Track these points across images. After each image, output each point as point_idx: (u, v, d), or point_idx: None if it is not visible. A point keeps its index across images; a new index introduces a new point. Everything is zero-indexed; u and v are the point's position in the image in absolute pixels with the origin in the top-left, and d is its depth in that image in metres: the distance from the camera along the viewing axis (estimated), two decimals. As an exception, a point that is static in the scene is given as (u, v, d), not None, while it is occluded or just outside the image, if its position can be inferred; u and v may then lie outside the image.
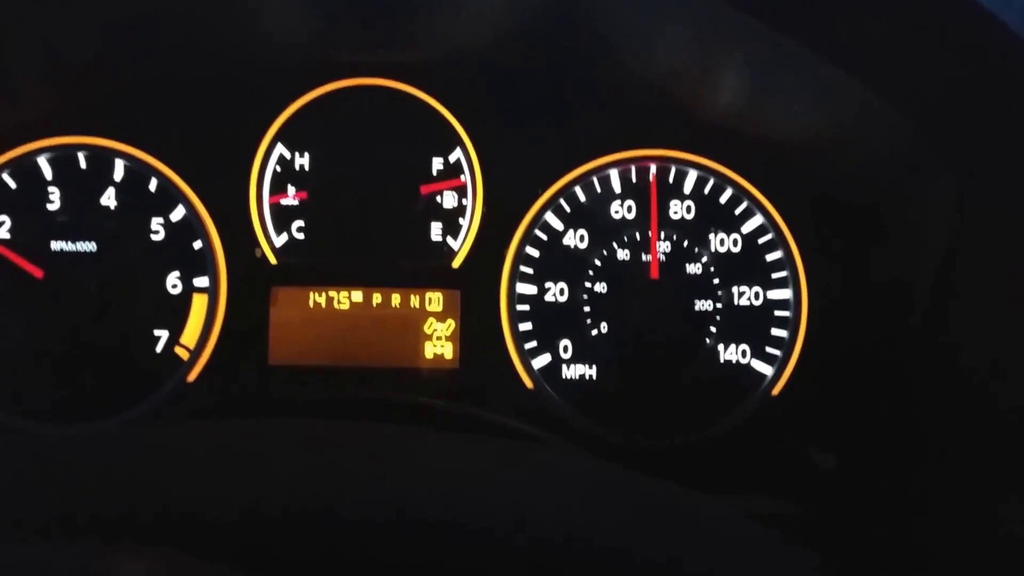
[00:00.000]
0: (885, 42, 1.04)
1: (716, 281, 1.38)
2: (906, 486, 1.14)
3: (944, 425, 1.09)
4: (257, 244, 1.39)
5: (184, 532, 0.57)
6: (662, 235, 1.39)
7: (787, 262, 1.38)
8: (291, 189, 1.41)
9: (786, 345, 1.37)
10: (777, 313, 1.38)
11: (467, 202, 1.41)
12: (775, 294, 1.38)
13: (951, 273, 1.11)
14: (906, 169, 1.20)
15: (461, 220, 1.41)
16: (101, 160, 1.38)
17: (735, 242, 1.39)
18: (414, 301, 1.38)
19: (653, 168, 1.40)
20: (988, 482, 0.98)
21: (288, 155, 1.41)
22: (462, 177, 1.41)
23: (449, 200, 1.41)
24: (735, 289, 1.38)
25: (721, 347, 1.37)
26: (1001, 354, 0.99)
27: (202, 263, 1.38)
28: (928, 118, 1.10)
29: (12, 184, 1.37)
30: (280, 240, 1.40)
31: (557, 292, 1.38)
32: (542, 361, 1.38)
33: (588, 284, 1.38)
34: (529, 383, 1.37)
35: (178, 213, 1.38)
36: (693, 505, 0.64)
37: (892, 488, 1.16)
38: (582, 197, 1.40)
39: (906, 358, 1.20)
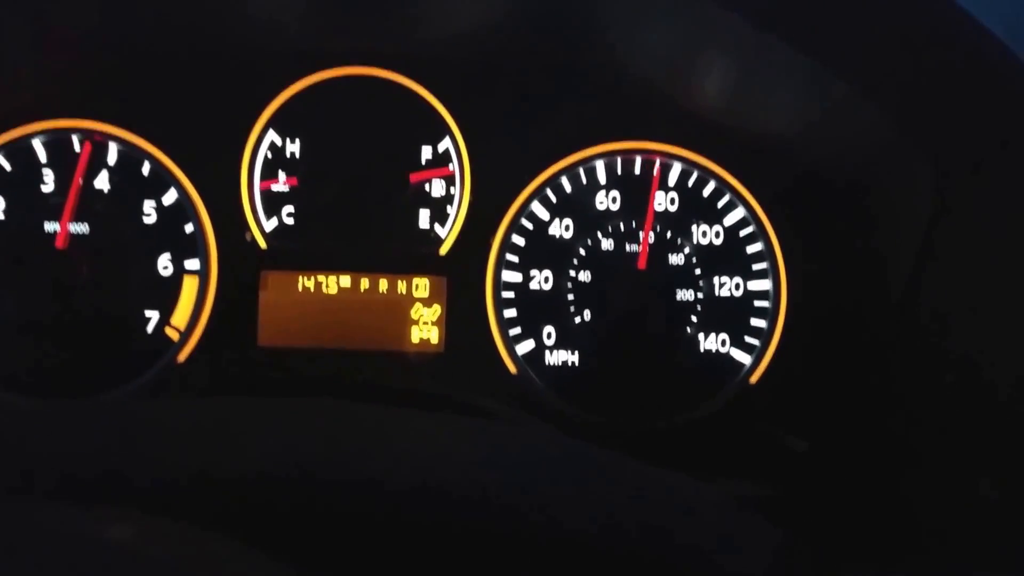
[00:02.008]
0: (864, 39, 1.07)
1: (698, 272, 1.41)
2: (882, 470, 1.17)
3: (921, 411, 1.12)
4: (248, 228, 1.42)
5: (169, 500, 0.59)
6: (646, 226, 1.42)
7: (767, 254, 1.41)
8: (282, 175, 1.43)
9: (765, 335, 1.40)
10: (757, 303, 1.41)
11: (455, 190, 1.43)
12: (755, 285, 1.41)
13: (929, 265, 1.14)
14: (886, 162, 1.23)
15: (449, 208, 1.43)
16: (95, 144, 1.40)
17: (717, 234, 1.42)
18: (401, 287, 1.41)
19: (639, 160, 1.43)
20: (964, 464, 1.01)
21: (279, 141, 1.43)
22: (450, 166, 1.43)
23: (437, 188, 1.44)
24: (716, 280, 1.41)
25: (701, 336, 1.40)
26: (978, 341, 1.02)
27: (193, 246, 1.40)
28: (907, 111, 1.12)
29: (7, 166, 1.39)
30: (270, 225, 1.43)
31: (542, 280, 1.41)
32: (526, 347, 1.40)
33: (572, 273, 1.41)
34: (513, 368, 1.40)
35: (170, 197, 1.40)
36: (666, 482, 0.67)
37: (868, 472, 1.19)
38: (568, 187, 1.43)
39: (884, 347, 1.23)
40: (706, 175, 1.42)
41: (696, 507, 0.66)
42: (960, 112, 1.05)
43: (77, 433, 0.63)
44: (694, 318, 1.40)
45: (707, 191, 1.43)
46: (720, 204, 1.42)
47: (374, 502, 0.60)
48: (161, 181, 1.40)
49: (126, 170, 1.40)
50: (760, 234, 1.41)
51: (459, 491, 0.61)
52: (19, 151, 1.39)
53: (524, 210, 1.42)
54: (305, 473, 0.61)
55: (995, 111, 1.00)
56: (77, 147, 1.40)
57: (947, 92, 1.04)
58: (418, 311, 1.40)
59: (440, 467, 0.63)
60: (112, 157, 1.40)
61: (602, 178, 1.43)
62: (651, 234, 1.41)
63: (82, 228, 1.38)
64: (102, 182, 1.40)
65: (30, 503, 0.56)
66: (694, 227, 1.42)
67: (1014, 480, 0.94)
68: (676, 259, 1.41)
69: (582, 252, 1.41)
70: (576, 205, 1.42)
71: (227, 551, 0.54)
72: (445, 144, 1.43)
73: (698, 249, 1.41)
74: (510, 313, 1.41)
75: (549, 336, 1.40)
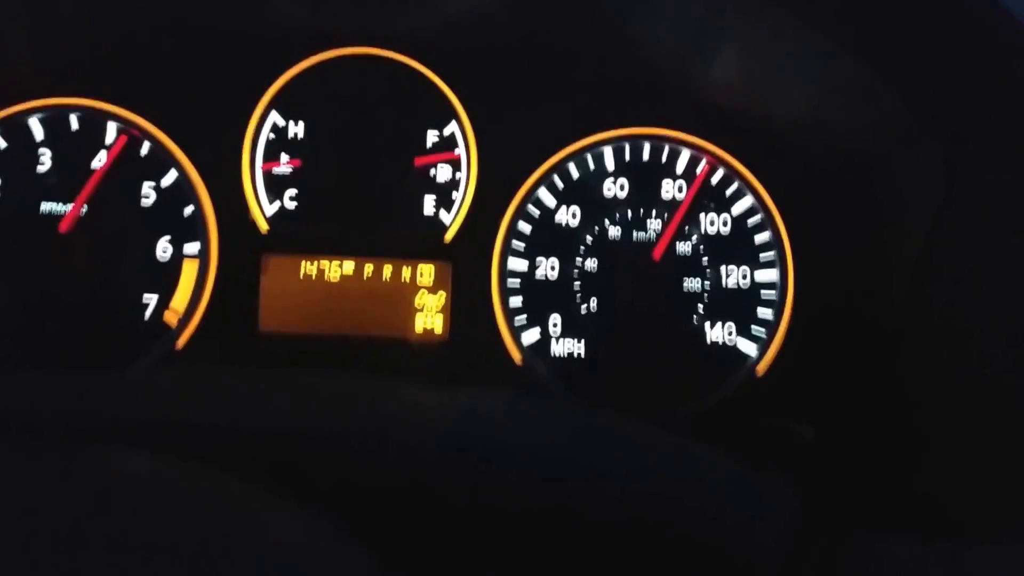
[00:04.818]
0: (875, 18, 1.06)
1: (705, 261, 1.40)
2: (889, 461, 1.16)
3: (929, 401, 1.11)
4: (249, 212, 1.39)
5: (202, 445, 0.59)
6: (653, 213, 1.40)
7: (775, 244, 1.40)
8: (284, 157, 1.40)
9: (771, 325, 1.39)
10: (764, 294, 1.40)
11: (461, 176, 1.41)
12: (762, 275, 1.40)
13: (937, 255, 1.13)
14: (895, 152, 1.22)
15: (454, 193, 1.41)
16: (93, 122, 1.37)
17: (725, 223, 1.41)
18: (405, 273, 1.38)
19: (647, 146, 1.41)
20: (971, 452, 1.01)
21: (282, 123, 1.40)
22: (456, 150, 1.41)
23: (443, 173, 1.41)
24: (723, 269, 1.40)
25: (708, 326, 1.39)
26: (985, 330, 1.02)
27: (193, 229, 1.37)
28: (918, 94, 1.11)
29: (2, 143, 1.35)
30: (272, 208, 1.40)
31: (548, 268, 1.39)
32: (531, 336, 1.39)
33: (579, 261, 1.39)
34: (518, 357, 1.38)
35: (170, 178, 1.37)
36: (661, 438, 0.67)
37: (875, 463, 1.18)
38: (575, 174, 1.41)
39: (891, 338, 1.22)
40: (715, 162, 1.41)
41: (708, 474, 0.66)
42: (972, 101, 1.04)
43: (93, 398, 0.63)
44: (701, 308, 1.39)
45: (715, 179, 1.41)
46: (728, 192, 1.41)
47: (398, 467, 0.60)
48: (160, 162, 1.37)
49: (125, 150, 1.36)
50: (768, 223, 1.40)
51: (474, 459, 0.61)
52: (15, 129, 1.35)
53: (530, 196, 1.40)
54: (323, 433, 0.61)
55: (1009, 101, 0.99)
56: (75, 125, 1.37)
57: (959, 81, 1.03)
58: (422, 298, 1.38)
59: (458, 434, 0.62)
60: (111, 136, 1.37)
61: (610, 165, 1.41)
62: (655, 221, 1.40)
63: (80, 210, 1.35)
64: (99, 162, 1.37)
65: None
66: (702, 215, 1.41)
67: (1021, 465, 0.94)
68: (684, 248, 1.40)
69: (589, 240, 1.39)
70: (583, 192, 1.41)
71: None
72: (451, 128, 1.41)
73: (706, 238, 1.40)
74: (515, 301, 1.39)
75: (555, 325, 1.39)
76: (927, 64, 1.06)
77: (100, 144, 1.37)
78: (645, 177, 1.41)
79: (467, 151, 1.41)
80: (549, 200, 1.40)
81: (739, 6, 1.15)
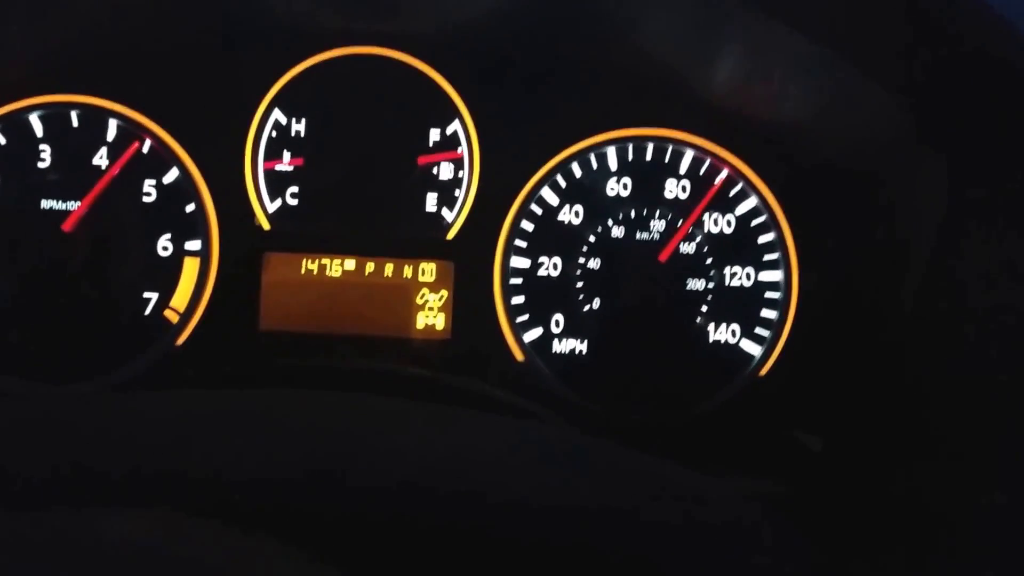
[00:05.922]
0: (872, 24, 1.05)
1: (709, 261, 1.39)
2: (894, 465, 1.15)
3: (934, 405, 1.10)
4: (250, 209, 1.38)
5: (181, 493, 0.57)
6: (657, 213, 1.39)
7: (779, 244, 1.39)
8: (286, 155, 1.40)
9: (775, 326, 1.38)
10: (768, 294, 1.39)
11: (463, 174, 1.40)
12: (766, 275, 1.39)
13: (943, 256, 1.12)
14: (899, 153, 1.21)
15: (457, 192, 1.40)
16: (94, 120, 1.36)
17: (729, 223, 1.40)
18: (407, 271, 1.38)
19: (651, 147, 1.41)
20: (978, 461, 1.00)
21: (284, 121, 1.40)
22: (459, 149, 1.41)
23: (446, 172, 1.41)
24: (727, 270, 1.39)
25: (711, 326, 1.38)
26: (994, 334, 1.01)
27: (194, 226, 1.37)
28: (919, 102, 1.11)
29: (2, 140, 1.35)
30: (274, 206, 1.39)
31: (551, 267, 1.39)
32: (533, 334, 1.38)
33: (582, 260, 1.39)
34: (520, 356, 1.37)
35: (171, 175, 1.37)
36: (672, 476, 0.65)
37: (880, 467, 1.17)
38: (578, 173, 1.40)
39: (896, 340, 1.21)
40: (718, 163, 1.40)
41: (707, 505, 0.64)
42: (972, 103, 1.03)
43: (73, 428, 0.61)
44: (704, 308, 1.38)
45: (719, 179, 1.41)
46: (732, 192, 1.40)
47: (375, 502, 0.58)
48: (162, 160, 1.37)
49: (126, 147, 1.36)
50: (772, 224, 1.40)
51: (462, 489, 0.59)
52: (15, 125, 1.35)
53: (533, 195, 1.39)
54: (306, 471, 0.59)
55: (1007, 102, 0.99)
56: (76, 122, 1.36)
57: (959, 82, 1.03)
58: (424, 296, 1.37)
59: (447, 465, 0.61)
60: (111, 134, 1.36)
61: (613, 164, 1.41)
62: (659, 221, 1.39)
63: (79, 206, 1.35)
64: (100, 159, 1.36)
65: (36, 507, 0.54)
66: (705, 216, 1.40)
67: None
68: (688, 248, 1.39)
69: (592, 239, 1.39)
70: (587, 191, 1.40)
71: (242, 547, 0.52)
72: (454, 127, 1.41)
73: (709, 238, 1.39)
74: (518, 300, 1.38)
75: (557, 324, 1.38)
76: (926, 74, 1.06)
77: (101, 141, 1.36)
78: (649, 177, 1.40)
79: (470, 150, 1.40)
80: (552, 199, 1.40)
81: (737, 21, 1.16)
